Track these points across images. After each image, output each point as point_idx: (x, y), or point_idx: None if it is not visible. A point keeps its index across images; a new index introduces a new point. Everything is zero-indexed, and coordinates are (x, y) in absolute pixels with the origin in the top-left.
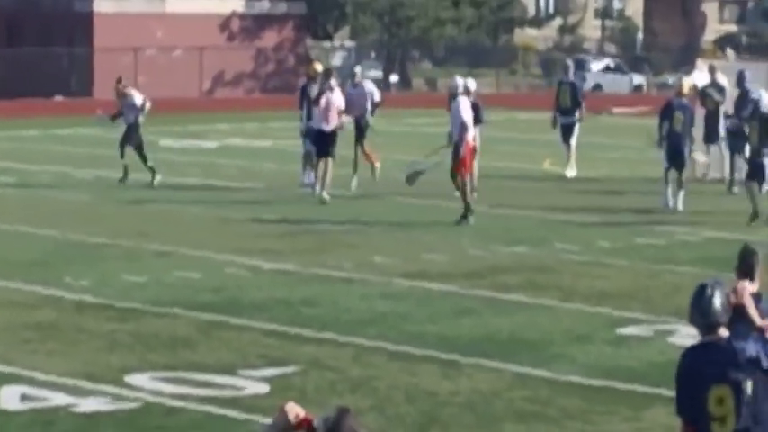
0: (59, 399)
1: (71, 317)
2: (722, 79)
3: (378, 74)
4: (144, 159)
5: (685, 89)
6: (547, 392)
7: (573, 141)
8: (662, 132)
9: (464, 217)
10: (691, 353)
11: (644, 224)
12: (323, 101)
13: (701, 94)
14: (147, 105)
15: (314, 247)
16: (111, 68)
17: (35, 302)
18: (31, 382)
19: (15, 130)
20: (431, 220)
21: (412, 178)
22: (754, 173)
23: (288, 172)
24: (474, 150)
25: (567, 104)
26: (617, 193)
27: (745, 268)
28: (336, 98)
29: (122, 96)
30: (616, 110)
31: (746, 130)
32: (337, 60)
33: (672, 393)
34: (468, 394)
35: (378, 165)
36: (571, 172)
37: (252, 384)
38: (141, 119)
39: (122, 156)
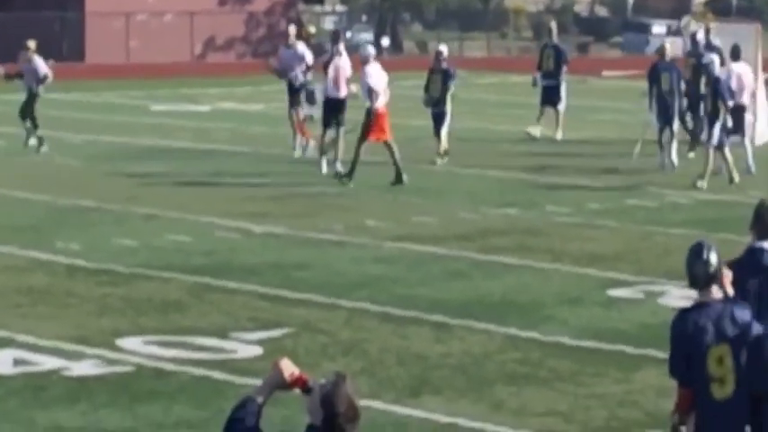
0: (51, 363)
1: (62, 281)
2: (717, 41)
3: (369, 37)
4: (34, 125)
5: (668, 52)
6: (538, 354)
7: (561, 105)
8: (651, 95)
9: (347, 175)
10: (687, 314)
11: (635, 186)
12: (332, 68)
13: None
14: (49, 79)
15: (305, 211)
16: (102, 33)
17: (27, 267)
18: (23, 346)
19: (6, 94)
20: (422, 184)
21: (327, 149)
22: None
23: (279, 135)
24: (384, 116)
25: (551, 67)
26: (607, 154)
27: (762, 227)
28: (344, 64)
29: (27, 61)
30: (606, 72)
31: (702, 95)
32: (329, 24)
33: (663, 355)
34: (459, 357)
35: (312, 142)
36: (536, 134)
37: (244, 347)
38: (41, 89)
39: (26, 120)
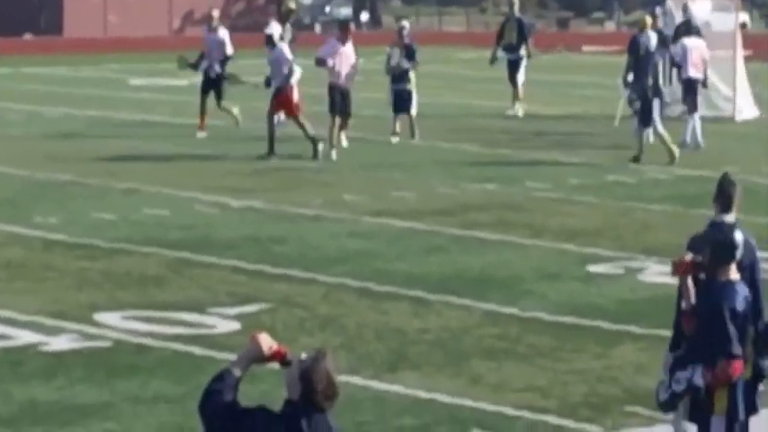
0: (28, 337)
1: (40, 255)
2: (694, 14)
3: (348, 12)
4: None
5: (649, 25)
6: (516, 330)
7: (520, 78)
8: (629, 69)
9: (315, 153)
10: (735, 288)
11: (615, 162)
12: (337, 57)
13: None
14: None
15: (283, 185)
16: (80, 7)
17: (3, 241)
18: (0, 320)
19: None
20: (400, 159)
21: (232, 79)
22: (647, 117)
23: (257, 110)
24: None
25: (513, 41)
26: (587, 130)
27: (724, 199)
28: (347, 50)
29: None
30: (586, 48)
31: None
32: None
33: (641, 330)
34: (437, 332)
35: (236, 111)
36: (519, 110)
37: (222, 322)
38: None
39: None
